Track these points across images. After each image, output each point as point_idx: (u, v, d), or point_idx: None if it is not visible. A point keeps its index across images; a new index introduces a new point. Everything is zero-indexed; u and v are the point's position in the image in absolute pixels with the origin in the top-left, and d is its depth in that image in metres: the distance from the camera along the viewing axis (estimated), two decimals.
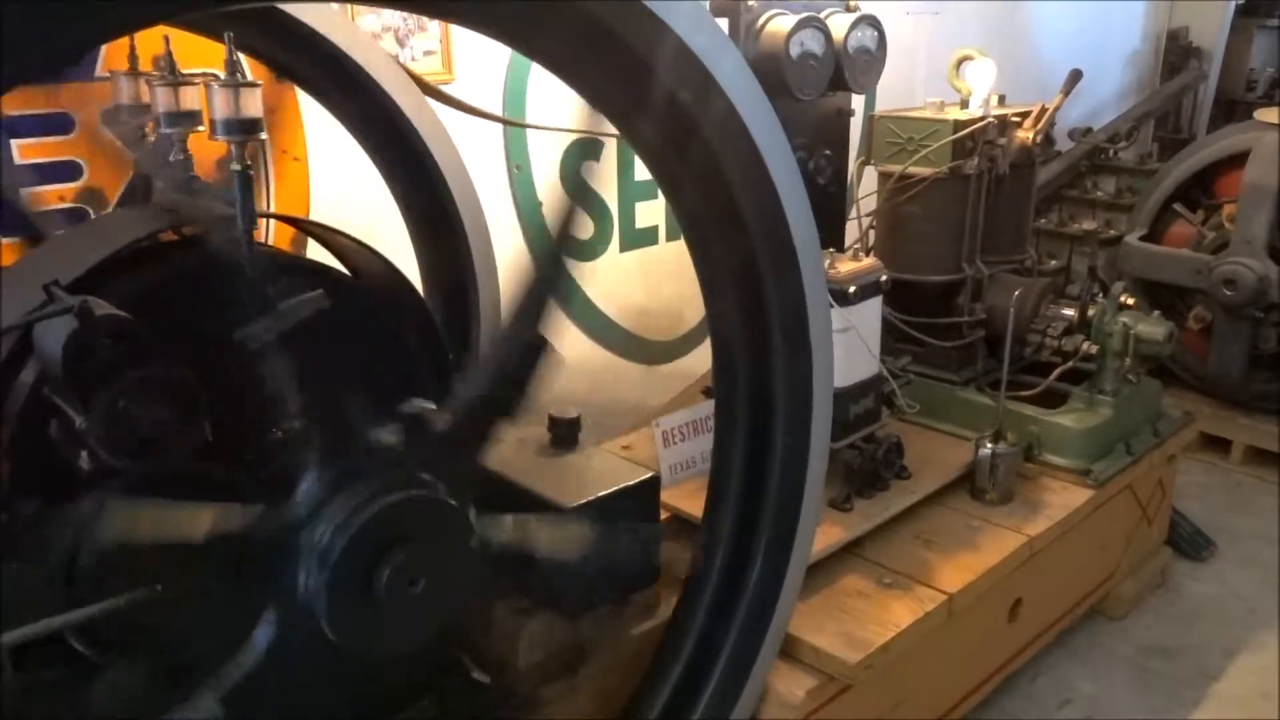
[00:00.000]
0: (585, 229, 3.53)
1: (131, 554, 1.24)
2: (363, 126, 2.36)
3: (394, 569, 1.33)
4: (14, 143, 2.23)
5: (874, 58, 2.78)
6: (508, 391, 1.44)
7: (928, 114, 3.17)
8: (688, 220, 1.77)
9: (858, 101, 2.98)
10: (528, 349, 1.43)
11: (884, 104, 3.80)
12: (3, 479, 1.35)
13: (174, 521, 1.22)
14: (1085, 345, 3.19)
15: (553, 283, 1.49)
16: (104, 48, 2.25)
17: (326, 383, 1.33)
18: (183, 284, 1.54)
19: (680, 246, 1.86)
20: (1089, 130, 5.45)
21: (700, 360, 3.88)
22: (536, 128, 2.80)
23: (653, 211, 3.69)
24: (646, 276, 3.73)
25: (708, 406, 2.64)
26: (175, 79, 1.72)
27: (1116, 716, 3.02)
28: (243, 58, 1.78)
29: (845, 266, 2.61)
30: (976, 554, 2.67)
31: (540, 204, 3.35)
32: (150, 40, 1.95)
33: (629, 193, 3.62)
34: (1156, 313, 3.26)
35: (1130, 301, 3.21)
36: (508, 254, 3.12)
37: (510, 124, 3.06)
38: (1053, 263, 4.74)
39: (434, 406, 1.46)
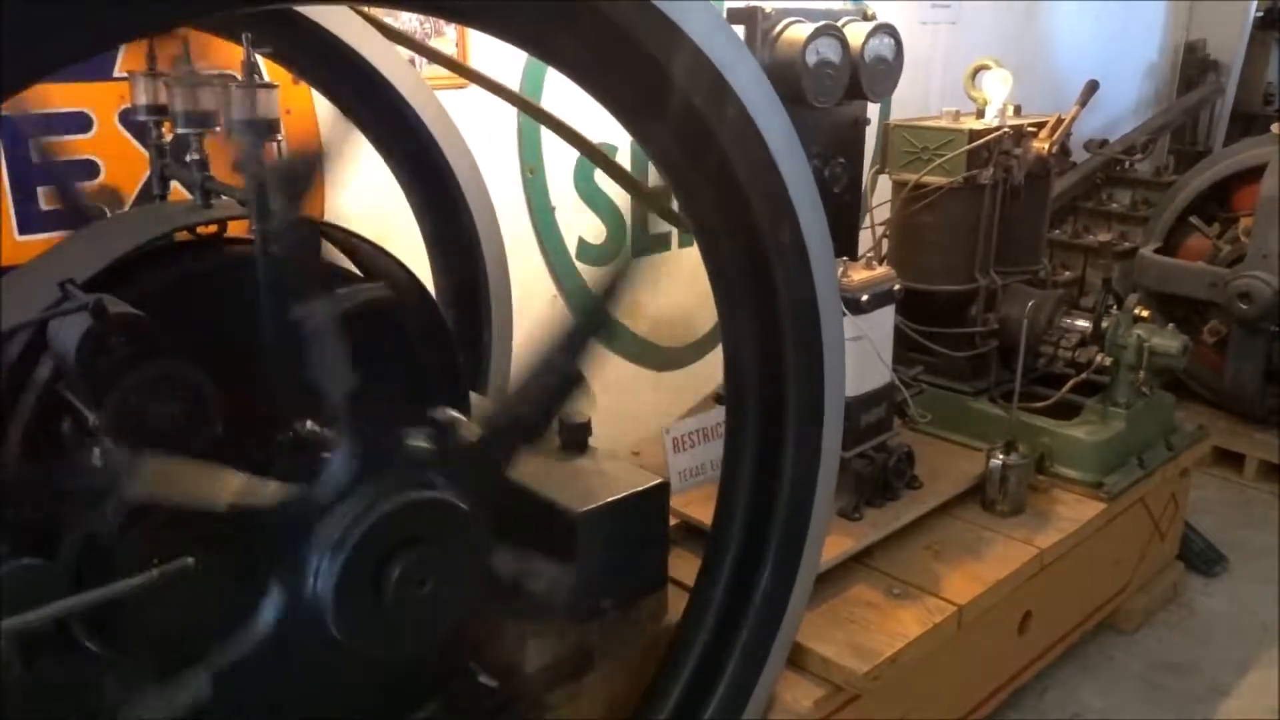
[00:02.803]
0: (595, 232, 3.53)
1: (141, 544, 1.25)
2: (377, 128, 2.37)
3: (404, 570, 1.33)
4: (30, 141, 2.24)
5: (890, 66, 2.78)
6: (538, 417, 1.46)
7: (943, 123, 3.17)
8: (701, 227, 1.77)
9: (873, 110, 2.97)
10: (566, 381, 1.45)
11: (899, 113, 3.79)
12: (15, 475, 1.36)
13: (200, 482, 1.21)
14: (1099, 357, 3.18)
15: (600, 324, 1.51)
16: (122, 47, 2.26)
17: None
18: (198, 282, 1.55)
19: (693, 252, 1.85)
20: (1105, 142, 5.44)
21: (712, 367, 3.87)
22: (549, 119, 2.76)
23: None
24: (659, 282, 3.73)
25: (718, 413, 2.63)
26: (192, 79, 1.73)
27: None
28: (260, 60, 1.78)
29: (858, 275, 2.60)
30: (987, 565, 2.66)
31: (553, 208, 3.35)
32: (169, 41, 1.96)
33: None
34: (1171, 326, 3.24)
35: (1145, 314, 3.20)
36: (520, 258, 3.12)
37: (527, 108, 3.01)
38: (1067, 274, 4.72)
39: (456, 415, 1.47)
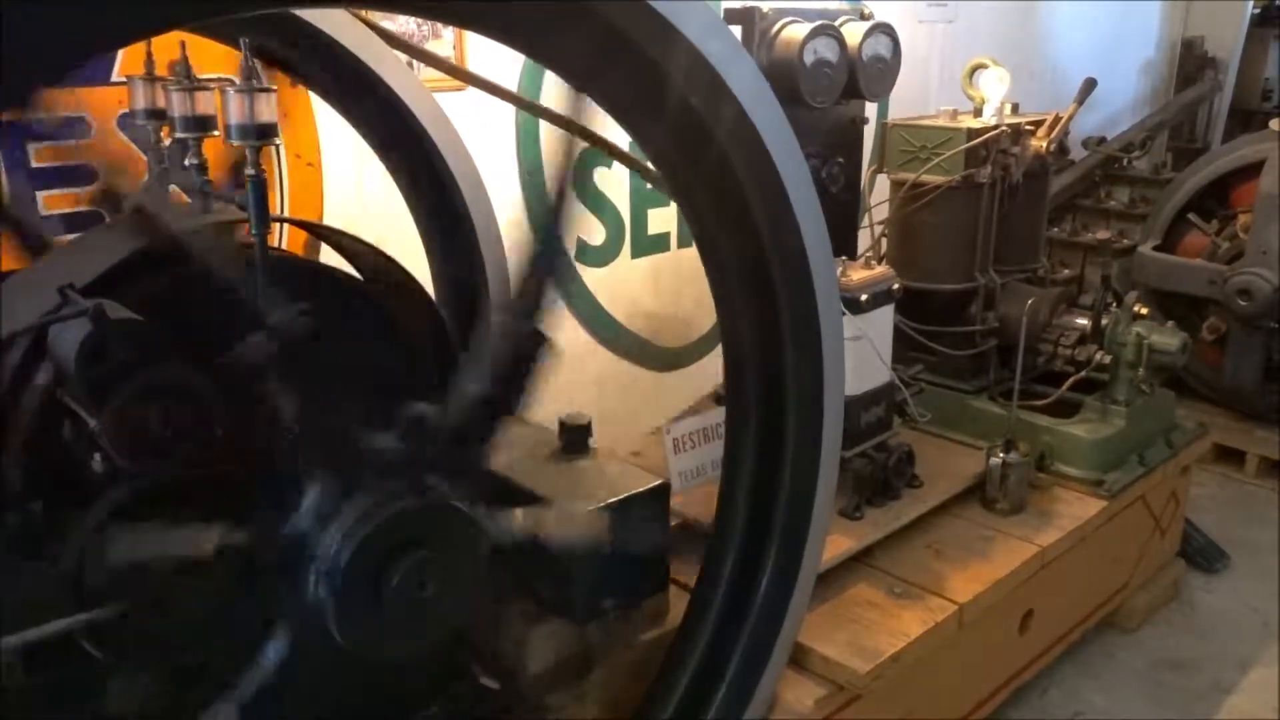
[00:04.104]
0: (595, 233, 3.53)
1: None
2: (376, 131, 2.37)
3: (403, 573, 1.33)
4: (29, 146, 2.24)
5: (888, 66, 2.78)
6: (506, 388, 1.44)
7: (941, 122, 3.17)
8: (700, 227, 1.77)
9: (871, 109, 2.98)
10: (524, 343, 1.43)
11: (897, 112, 3.79)
12: (16, 481, 1.36)
13: (178, 542, 1.22)
14: (1098, 355, 3.18)
15: (547, 275, 1.48)
16: (120, 53, 2.26)
17: (336, 386, 1.33)
18: (196, 287, 1.55)
19: (692, 253, 1.85)
20: (1103, 139, 5.44)
21: (712, 367, 3.87)
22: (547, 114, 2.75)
23: (664, 218, 3.69)
24: (658, 283, 3.73)
25: (718, 413, 2.63)
26: (191, 83, 1.73)
27: None
28: (258, 63, 1.78)
29: (857, 274, 2.60)
30: (987, 564, 2.66)
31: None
32: (167, 46, 1.96)
33: (641, 199, 3.62)
34: (1170, 323, 3.24)
35: (1144, 311, 3.20)
36: (519, 260, 3.12)
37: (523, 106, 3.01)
38: (1066, 272, 4.70)
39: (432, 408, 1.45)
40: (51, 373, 1.37)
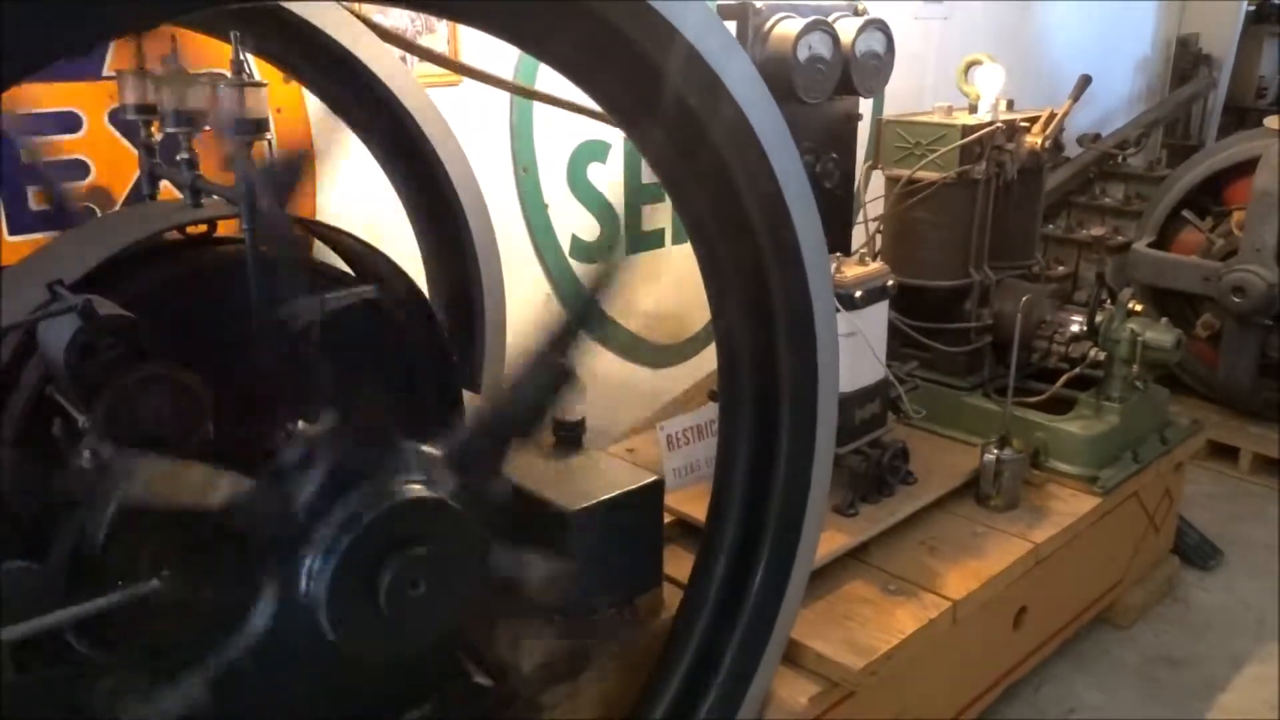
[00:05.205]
0: (589, 229, 3.52)
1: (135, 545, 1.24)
2: (369, 127, 2.36)
3: (397, 571, 1.32)
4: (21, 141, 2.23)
5: (882, 62, 2.77)
6: (531, 414, 1.45)
7: (936, 118, 3.17)
8: (694, 224, 1.76)
9: (865, 105, 2.97)
10: (558, 376, 1.44)
11: (892, 108, 3.79)
12: (5, 478, 1.35)
13: (189, 483, 1.20)
14: (1093, 352, 3.18)
15: (589, 318, 1.51)
16: (111, 47, 2.25)
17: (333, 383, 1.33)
18: (188, 282, 1.54)
19: (687, 249, 1.85)
20: (1098, 136, 5.44)
21: (706, 364, 3.87)
22: (545, 99, 2.72)
23: (659, 214, 3.68)
24: (652, 279, 3.72)
25: (712, 410, 2.63)
26: (181, 78, 1.72)
27: None
28: (251, 58, 1.78)
29: (852, 271, 2.60)
30: (982, 561, 2.66)
31: (546, 206, 3.34)
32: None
33: (636, 194, 3.61)
34: (1164, 320, 3.24)
35: (1138, 308, 3.20)
36: (513, 256, 3.12)
37: (520, 92, 2.99)
38: (1060, 269, 4.73)
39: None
40: (41, 369, 1.37)
